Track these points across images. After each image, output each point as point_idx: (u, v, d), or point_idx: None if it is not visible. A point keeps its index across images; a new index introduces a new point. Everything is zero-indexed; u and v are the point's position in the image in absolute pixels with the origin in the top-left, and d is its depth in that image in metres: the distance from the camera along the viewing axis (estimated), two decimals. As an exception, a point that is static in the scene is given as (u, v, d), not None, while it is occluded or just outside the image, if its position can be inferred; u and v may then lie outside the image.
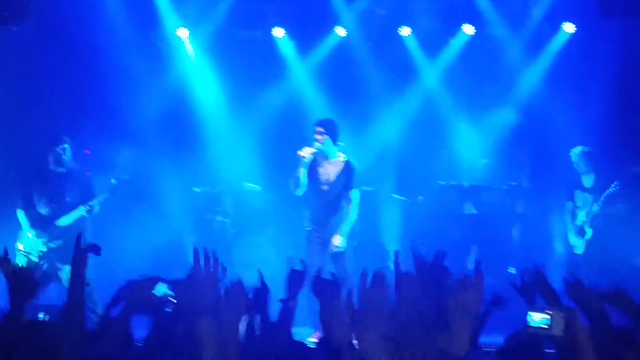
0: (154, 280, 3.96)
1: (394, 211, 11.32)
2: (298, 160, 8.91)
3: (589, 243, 9.86)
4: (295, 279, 4.33)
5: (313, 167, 9.00)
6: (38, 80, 10.93)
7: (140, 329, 4.04)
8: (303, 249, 9.01)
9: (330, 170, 9.03)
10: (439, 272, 4.20)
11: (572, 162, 10.01)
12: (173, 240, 10.91)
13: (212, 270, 3.39)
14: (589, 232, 9.85)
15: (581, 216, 9.88)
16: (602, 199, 9.73)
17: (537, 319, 3.34)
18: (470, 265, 10.33)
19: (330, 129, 8.99)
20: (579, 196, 9.94)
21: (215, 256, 3.42)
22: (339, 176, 9.01)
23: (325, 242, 8.90)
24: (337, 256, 8.90)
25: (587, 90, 11.12)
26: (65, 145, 8.75)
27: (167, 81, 11.63)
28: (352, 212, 9.04)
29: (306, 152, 8.84)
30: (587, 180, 9.94)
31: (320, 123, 9.05)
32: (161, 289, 3.97)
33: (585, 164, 9.92)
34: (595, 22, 11.20)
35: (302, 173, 8.88)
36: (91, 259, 8.35)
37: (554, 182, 10.98)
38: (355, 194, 9.05)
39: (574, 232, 9.94)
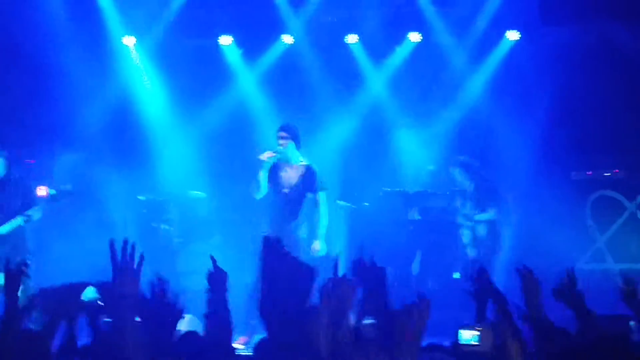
0: (81, 286, 3.95)
1: (339, 217, 11.36)
2: (258, 163, 8.90)
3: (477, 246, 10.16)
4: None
5: (275, 171, 8.98)
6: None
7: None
8: (258, 254, 8.95)
9: (292, 175, 9.03)
10: (378, 277, 4.25)
11: (452, 174, 10.30)
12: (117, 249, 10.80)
13: (130, 263, 3.37)
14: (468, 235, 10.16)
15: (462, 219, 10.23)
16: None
17: (468, 336, 3.36)
18: (414, 270, 10.43)
19: (293, 134, 9.02)
20: (459, 201, 10.31)
21: (133, 248, 3.39)
22: (300, 180, 9.02)
23: None
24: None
25: (529, 97, 11.28)
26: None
27: (112, 89, 11.55)
28: (323, 214, 9.05)
29: (266, 156, 8.84)
30: (469, 186, 10.22)
31: (284, 128, 9.06)
32: (89, 293, 3.96)
33: (466, 175, 10.17)
34: (538, 30, 11.38)
35: (263, 176, 8.86)
36: (33, 269, 8.28)
37: (498, 188, 11.11)
38: (322, 196, 9.06)
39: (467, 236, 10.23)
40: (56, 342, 3.89)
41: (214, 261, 4.29)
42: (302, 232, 9.00)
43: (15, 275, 3.81)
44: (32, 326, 3.86)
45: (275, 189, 8.96)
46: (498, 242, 10.13)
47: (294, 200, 8.97)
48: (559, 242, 10.70)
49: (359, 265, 4.22)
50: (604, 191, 11.08)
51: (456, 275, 10.52)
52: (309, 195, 9.03)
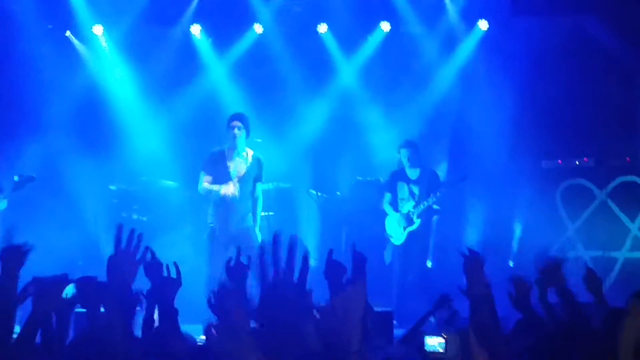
0: (62, 281, 3.91)
1: (312, 207, 11.36)
2: (213, 158, 9.00)
3: (412, 234, 10.11)
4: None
5: (222, 162, 9.01)
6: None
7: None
8: (206, 247, 8.97)
9: (240, 165, 9.04)
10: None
11: (400, 156, 10.26)
12: (88, 238, 10.76)
13: (132, 250, 3.34)
14: (417, 222, 10.11)
15: (408, 206, 10.14)
16: (432, 197, 10.09)
17: (433, 343, 3.34)
18: (387, 259, 10.44)
19: (246, 124, 9.04)
20: (402, 188, 10.20)
21: (139, 237, 3.36)
22: (248, 171, 9.03)
23: (233, 239, 8.85)
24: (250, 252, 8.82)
25: (500, 86, 11.32)
26: None
27: (81, 78, 11.46)
28: (259, 204, 9.14)
29: (230, 192, 8.90)
30: (413, 173, 10.19)
31: (239, 117, 9.08)
32: (69, 290, 3.93)
33: (413, 158, 10.17)
34: (508, 20, 11.42)
35: (216, 194, 8.95)
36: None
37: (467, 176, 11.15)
38: (259, 187, 9.15)
39: (396, 221, 10.17)
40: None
41: (176, 267, 4.27)
42: (250, 219, 9.04)
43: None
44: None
45: (224, 178, 8.96)
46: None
47: (242, 191, 8.97)
48: (530, 231, 10.78)
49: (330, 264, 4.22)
50: (574, 179, 11.16)
51: (429, 264, 10.54)
52: (258, 184, 9.10)
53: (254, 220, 9.07)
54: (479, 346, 3.36)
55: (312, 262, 3.83)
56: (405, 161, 10.21)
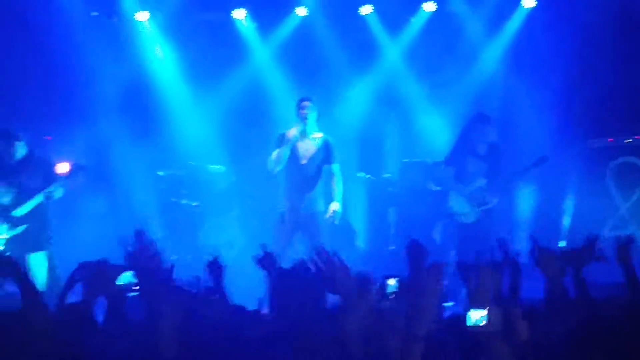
0: (118, 269, 3.95)
1: (360, 190, 11.35)
2: (283, 139, 8.87)
3: (486, 212, 9.44)
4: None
5: (293, 143, 8.96)
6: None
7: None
8: (273, 230, 8.94)
9: (309, 146, 8.99)
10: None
11: (471, 129, 9.45)
12: (139, 224, 10.84)
13: (143, 248, 3.37)
14: (493, 201, 9.44)
15: (479, 182, 9.44)
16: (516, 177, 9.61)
17: (475, 317, 3.32)
18: (438, 240, 10.39)
19: (316, 106, 8.99)
20: (471, 162, 9.45)
21: (149, 238, 3.42)
22: (317, 152, 8.97)
23: (300, 222, 8.85)
24: (314, 232, 8.82)
25: (547, 65, 11.21)
26: (16, 142, 8.58)
27: (128, 65, 11.52)
28: (339, 185, 8.98)
29: (293, 133, 8.82)
30: (482, 148, 9.47)
31: (309, 98, 9.02)
32: (126, 277, 3.97)
33: (491, 133, 9.44)
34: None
35: (286, 152, 8.84)
36: (56, 246, 8.30)
37: (515, 158, 11.06)
38: (337, 168, 9.02)
39: (465, 198, 9.44)
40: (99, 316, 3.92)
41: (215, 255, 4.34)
42: (320, 205, 8.95)
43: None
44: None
45: (293, 160, 8.93)
46: None
47: (311, 173, 8.94)
48: (580, 211, 10.66)
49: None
50: (625, 158, 10.99)
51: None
52: (326, 167, 8.98)
53: (337, 195, 8.91)
54: (522, 320, 3.36)
55: (361, 245, 3.87)
56: (479, 136, 9.42)
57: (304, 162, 8.92)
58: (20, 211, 8.56)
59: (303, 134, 8.93)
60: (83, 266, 3.96)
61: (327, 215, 8.81)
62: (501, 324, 3.26)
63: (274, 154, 8.88)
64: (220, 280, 4.55)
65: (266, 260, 4.56)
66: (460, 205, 9.47)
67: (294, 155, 8.92)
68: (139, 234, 3.44)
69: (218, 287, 4.55)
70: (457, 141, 9.59)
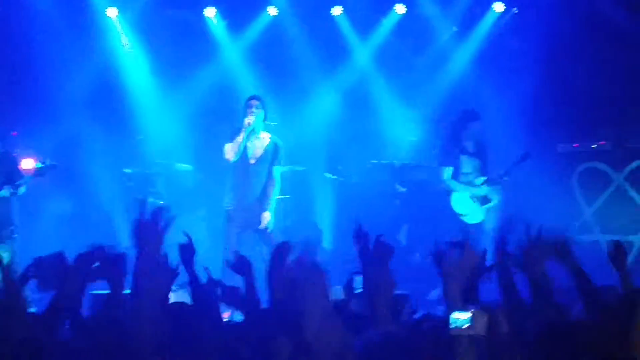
0: (60, 260, 3.92)
1: (327, 190, 11.34)
2: (239, 129, 8.84)
3: (490, 211, 9.47)
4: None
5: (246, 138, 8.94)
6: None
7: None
8: (222, 229, 8.93)
9: (257, 146, 8.98)
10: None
11: (461, 127, 9.45)
12: (104, 221, 10.79)
13: (155, 221, 3.32)
14: (495, 198, 9.51)
15: (478, 181, 9.49)
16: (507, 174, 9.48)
17: (459, 318, 3.32)
18: (403, 241, 10.42)
19: (264, 105, 8.98)
20: (465, 161, 9.46)
21: (163, 210, 3.35)
22: (265, 152, 8.97)
23: (249, 221, 8.84)
24: (266, 235, 8.85)
25: (516, 69, 11.26)
26: None
27: (95, 61, 11.43)
28: (275, 189, 9.02)
29: (250, 121, 8.79)
30: (471, 145, 9.50)
31: (257, 97, 9.01)
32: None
33: (480, 131, 9.49)
34: (523, 1, 11.35)
35: (243, 141, 8.81)
36: (20, 243, 8.21)
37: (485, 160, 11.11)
38: (277, 171, 9.03)
39: (468, 197, 9.45)
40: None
41: (188, 237, 4.31)
42: (265, 204, 8.94)
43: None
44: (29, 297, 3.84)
45: (242, 158, 8.90)
46: None
47: (259, 173, 8.93)
48: (546, 215, 10.70)
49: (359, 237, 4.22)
50: (591, 163, 11.07)
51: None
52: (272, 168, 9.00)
53: (269, 203, 8.95)
54: (507, 324, 3.35)
55: (327, 245, 3.86)
56: (469, 134, 9.41)
57: (252, 162, 8.93)
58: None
59: (252, 133, 8.91)
60: (37, 262, 3.92)
61: (260, 226, 8.81)
62: (485, 327, 3.26)
63: (231, 145, 8.84)
64: (192, 263, 4.49)
65: (240, 266, 4.45)
66: (465, 207, 9.46)
67: (243, 154, 8.91)
68: (161, 210, 3.36)
69: (190, 270, 4.49)
70: (446, 141, 9.57)
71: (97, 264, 3.95)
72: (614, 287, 6.18)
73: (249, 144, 8.95)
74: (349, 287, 4.76)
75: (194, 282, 4.39)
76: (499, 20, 11.82)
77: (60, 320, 3.85)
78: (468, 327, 3.27)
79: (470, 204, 9.44)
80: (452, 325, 3.28)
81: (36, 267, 3.88)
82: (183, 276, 3.86)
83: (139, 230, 3.25)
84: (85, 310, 4.25)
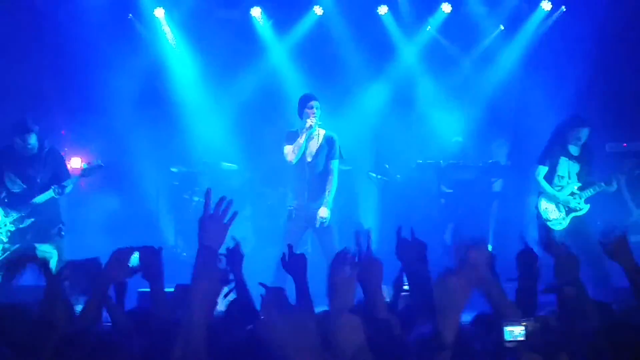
0: (95, 264, 3.96)
1: (372, 190, 11.33)
2: (294, 136, 8.83)
3: (576, 220, 9.32)
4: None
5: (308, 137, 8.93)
6: (12, 60, 10.81)
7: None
8: (283, 228, 8.92)
9: (313, 142, 8.96)
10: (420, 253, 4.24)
11: (567, 130, 9.26)
12: (150, 220, 10.89)
13: (221, 213, 3.30)
14: (585, 207, 9.35)
15: (571, 187, 9.33)
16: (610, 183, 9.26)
17: (515, 332, 3.31)
18: (448, 241, 10.36)
19: (321, 105, 8.98)
20: (564, 164, 9.34)
21: (228, 205, 3.33)
22: (321, 147, 8.94)
23: (309, 219, 8.82)
24: (324, 231, 8.81)
25: (563, 68, 11.16)
26: (30, 135, 8.58)
27: (144, 61, 11.53)
28: (332, 183, 8.95)
29: (313, 122, 8.80)
30: (575, 149, 9.34)
31: (316, 97, 8.98)
32: (134, 260, 3.97)
33: (584, 134, 9.23)
34: (572, 0, 11.26)
35: (305, 142, 8.81)
36: (67, 241, 8.30)
37: (531, 161, 11.01)
38: (335, 164, 8.99)
39: (556, 202, 9.31)
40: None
41: (235, 241, 4.32)
42: (324, 200, 8.88)
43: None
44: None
45: (300, 158, 8.90)
46: None
47: (317, 169, 8.88)
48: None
49: (402, 243, 4.23)
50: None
51: (489, 247, 10.41)
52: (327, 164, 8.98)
53: (326, 199, 8.84)
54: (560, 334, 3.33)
55: (372, 245, 3.86)
56: (575, 138, 9.22)
57: (309, 159, 8.91)
58: (32, 204, 8.57)
59: (309, 133, 8.89)
60: (70, 265, 3.95)
61: (317, 224, 8.77)
62: (540, 338, 3.25)
63: (291, 146, 8.84)
64: (239, 268, 4.50)
65: (294, 263, 4.41)
66: (551, 212, 9.35)
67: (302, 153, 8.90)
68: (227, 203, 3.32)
69: (237, 275, 4.50)
70: (550, 141, 9.42)
71: (135, 261, 3.97)
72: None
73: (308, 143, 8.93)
74: (397, 285, 4.76)
75: (240, 287, 4.41)
76: (546, 19, 11.72)
77: (97, 316, 3.88)
78: (524, 340, 3.26)
79: (556, 210, 9.33)
80: (507, 338, 3.28)
81: (70, 269, 3.92)
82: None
83: (205, 223, 3.22)
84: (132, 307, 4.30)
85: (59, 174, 8.67)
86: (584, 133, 9.20)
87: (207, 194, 3.29)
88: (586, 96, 11.12)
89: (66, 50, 11.02)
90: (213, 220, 3.23)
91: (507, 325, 3.30)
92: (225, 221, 3.23)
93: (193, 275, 3.14)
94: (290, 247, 4.48)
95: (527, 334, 3.27)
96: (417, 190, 10.96)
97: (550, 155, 9.31)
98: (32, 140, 8.52)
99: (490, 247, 10.25)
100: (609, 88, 11.13)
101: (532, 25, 11.77)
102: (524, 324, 3.28)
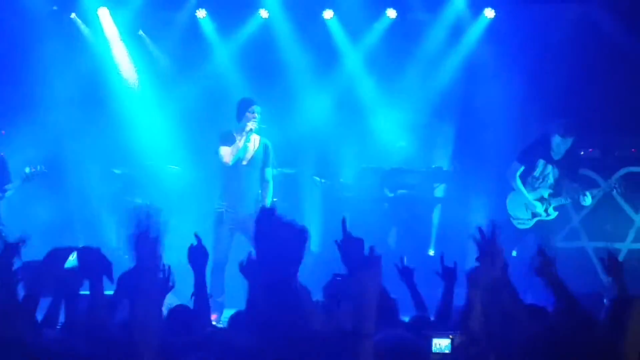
0: (65, 251, 3.90)
1: (315, 194, 11.34)
2: (229, 136, 8.84)
3: (539, 224, 9.39)
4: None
5: (232, 143, 8.90)
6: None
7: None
8: (212, 231, 8.86)
9: (248, 148, 8.96)
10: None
11: (556, 133, 9.28)
12: (92, 222, 10.77)
13: (145, 229, 3.19)
14: (553, 214, 9.43)
15: (542, 191, 9.38)
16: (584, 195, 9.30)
17: (441, 345, 3.32)
18: (392, 245, 10.43)
19: (263, 110, 8.98)
20: (541, 167, 9.38)
21: (154, 215, 3.21)
22: (256, 154, 8.95)
23: (238, 224, 8.80)
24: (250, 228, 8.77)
25: (505, 75, 11.27)
26: None
27: (85, 61, 11.42)
28: (269, 190, 9.01)
29: (254, 126, 8.77)
30: (557, 155, 9.36)
31: (258, 103, 8.97)
32: (71, 262, 3.92)
33: (567, 143, 9.28)
34: (514, 8, 11.39)
35: (243, 145, 8.79)
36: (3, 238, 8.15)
37: (473, 166, 11.14)
38: (270, 172, 9.03)
39: (524, 203, 9.37)
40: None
41: (198, 239, 4.30)
42: (257, 206, 8.90)
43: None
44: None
45: (235, 160, 8.88)
46: None
47: (251, 175, 8.91)
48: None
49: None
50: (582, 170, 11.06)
51: (430, 252, 10.51)
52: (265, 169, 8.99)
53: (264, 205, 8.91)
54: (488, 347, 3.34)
55: (314, 249, 3.84)
56: (560, 145, 9.29)
57: (244, 163, 8.91)
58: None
59: (244, 137, 8.88)
60: (25, 265, 3.90)
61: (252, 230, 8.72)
62: (466, 351, 3.24)
63: (228, 148, 8.83)
64: (203, 266, 4.47)
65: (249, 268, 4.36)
66: (517, 210, 9.45)
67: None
68: (149, 216, 3.17)
69: (198, 273, 4.47)
70: (536, 141, 9.53)
71: (74, 263, 3.93)
72: (599, 294, 6.23)
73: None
74: (329, 288, 4.75)
75: (199, 286, 4.38)
76: (489, 26, 11.84)
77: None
78: (449, 353, 3.28)
79: (523, 210, 9.41)
80: (433, 350, 3.30)
81: (25, 270, 3.87)
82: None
83: (135, 244, 3.11)
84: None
85: (1, 174, 8.55)
86: (567, 142, 9.29)
87: (137, 213, 3.13)
88: (527, 102, 11.25)
89: (6, 49, 10.87)
90: (140, 238, 3.11)
91: (434, 337, 3.30)
92: (152, 235, 3.10)
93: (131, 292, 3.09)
94: (197, 236, 4.49)
95: (453, 348, 3.28)
96: (361, 195, 11.00)
97: (531, 155, 9.41)
98: None
99: (431, 252, 10.41)
100: (547, 95, 11.25)
101: (475, 32, 11.87)
102: (451, 337, 3.29)
